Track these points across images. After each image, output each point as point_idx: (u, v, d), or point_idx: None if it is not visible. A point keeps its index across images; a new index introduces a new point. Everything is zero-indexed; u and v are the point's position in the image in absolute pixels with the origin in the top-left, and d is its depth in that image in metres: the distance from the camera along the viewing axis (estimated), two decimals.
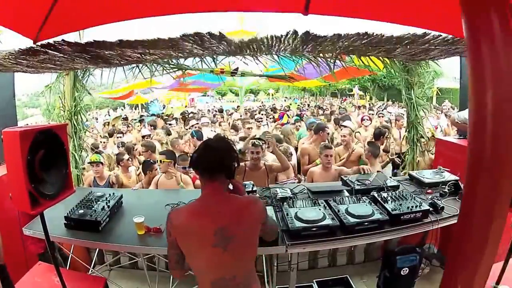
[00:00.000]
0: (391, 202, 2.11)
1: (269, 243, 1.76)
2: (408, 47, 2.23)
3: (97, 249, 2.71)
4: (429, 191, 2.43)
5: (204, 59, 2.53)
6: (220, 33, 1.71)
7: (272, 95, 27.18)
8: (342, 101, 21.76)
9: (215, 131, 5.95)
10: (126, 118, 10.13)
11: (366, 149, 3.35)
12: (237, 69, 2.85)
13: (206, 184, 1.25)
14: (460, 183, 2.43)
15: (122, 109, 20.62)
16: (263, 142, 3.12)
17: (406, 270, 2.12)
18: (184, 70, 2.79)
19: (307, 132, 4.84)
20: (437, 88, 12.44)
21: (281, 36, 1.82)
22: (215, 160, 1.23)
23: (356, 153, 3.55)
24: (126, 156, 3.53)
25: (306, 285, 2.40)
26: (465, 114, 2.64)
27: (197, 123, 6.34)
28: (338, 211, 1.99)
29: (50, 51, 1.85)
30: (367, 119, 5.22)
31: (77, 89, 2.97)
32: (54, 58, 2.07)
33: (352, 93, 21.50)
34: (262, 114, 8.23)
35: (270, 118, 7.96)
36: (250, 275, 1.28)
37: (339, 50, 2.30)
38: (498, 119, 0.70)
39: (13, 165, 1.29)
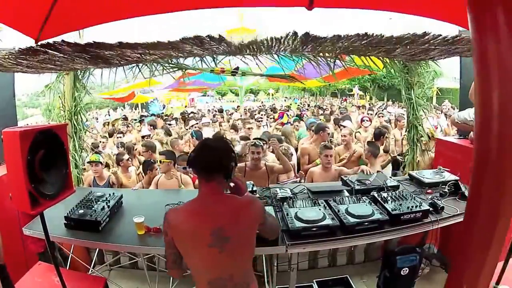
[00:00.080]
0: (391, 202, 2.11)
1: (269, 243, 1.76)
2: (408, 47, 2.23)
3: (97, 249, 2.71)
4: (429, 191, 2.43)
5: (204, 58, 2.53)
6: (219, 35, 1.71)
7: (272, 95, 27.18)
8: (342, 101, 21.75)
9: (215, 131, 5.95)
10: (126, 118, 10.14)
11: (366, 149, 3.35)
12: (237, 68, 2.85)
13: (204, 184, 1.25)
14: (460, 183, 2.43)
15: (122, 109, 20.60)
16: (264, 142, 3.13)
17: (406, 270, 2.12)
18: (184, 70, 2.79)
19: (307, 132, 4.84)
20: (437, 88, 12.43)
21: (281, 37, 1.82)
22: (213, 160, 1.22)
23: (356, 153, 3.55)
24: (126, 156, 3.53)
25: (306, 285, 2.40)
26: (465, 114, 2.63)
27: (196, 123, 6.35)
28: (338, 211, 1.99)
29: (50, 51, 1.85)
30: (366, 120, 5.22)
31: (77, 89, 2.97)
32: (54, 58, 2.07)
33: (352, 93, 21.50)
34: (262, 114, 8.22)
35: (270, 118, 7.96)
36: (247, 274, 1.28)
37: (339, 50, 2.30)
38: (504, 118, 0.69)
39: (13, 165, 1.29)
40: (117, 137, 6.01)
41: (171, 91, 12.34)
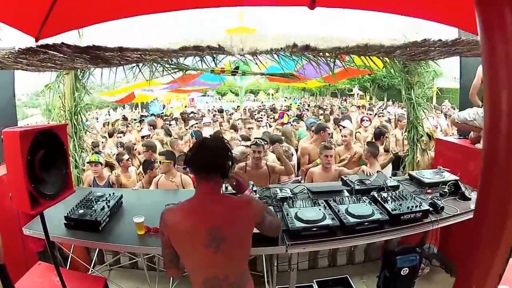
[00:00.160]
0: (391, 202, 2.11)
1: (269, 243, 1.77)
2: (408, 49, 2.23)
3: (97, 249, 2.71)
4: (429, 191, 2.43)
5: (204, 58, 2.53)
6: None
7: (272, 95, 27.16)
8: (342, 101, 21.75)
9: (215, 131, 5.94)
10: (125, 118, 10.13)
11: (365, 149, 3.35)
12: (237, 68, 2.85)
13: (201, 183, 1.25)
14: (460, 183, 2.43)
15: (122, 109, 20.60)
16: (266, 142, 3.13)
17: (406, 270, 2.12)
18: (184, 71, 2.79)
19: (307, 132, 4.84)
20: (437, 88, 12.43)
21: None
22: (210, 160, 1.22)
23: (357, 154, 3.55)
24: (126, 156, 3.53)
25: (306, 285, 2.40)
26: (465, 114, 2.64)
27: (196, 123, 6.34)
28: (338, 211, 2.00)
29: (50, 51, 1.85)
30: (366, 120, 5.21)
31: (77, 89, 2.97)
32: (54, 58, 2.07)
33: (352, 93, 21.49)
34: (262, 115, 8.22)
35: (270, 118, 7.96)
36: (243, 274, 1.28)
37: (338, 51, 2.30)
38: None
39: (13, 165, 1.29)
40: (117, 137, 6.01)
41: (171, 91, 12.33)
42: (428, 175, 2.65)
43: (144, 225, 1.94)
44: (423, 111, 3.32)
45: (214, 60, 2.56)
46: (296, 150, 4.14)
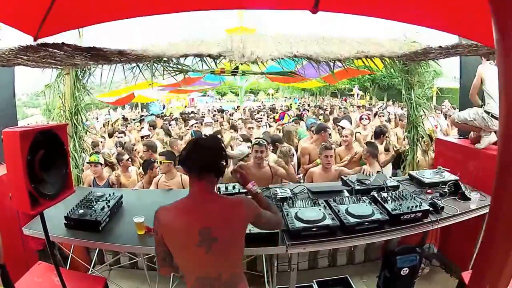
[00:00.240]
0: (391, 202, 2.11)
1: (269, 243, 1.77)
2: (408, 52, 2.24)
3: (97, 249, 2.71)
4: (429, 191, 2.43)
5: (204, 58, 2.53)
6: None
7: (272, 95, 27.16)
8: (342, 101, 21.74)
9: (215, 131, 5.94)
10: (125, 119, 10.13)
11: (364, 149, 3.35)
12: (237, 68, 2.84)
13: (194, 183, 1.24)
14: (460, 183, 2.43)
15: (122, 109, 20.60)
16: (268, 142, 3.13)
17: (406, 270, 2.12)
18: (185, 74, 2.79)
19: (307, 132, 4.83)
20: (437, 88, 12.42)
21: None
22: (203, 159, 1.22)
23: (357, 155, 3.55)
24: (126, 156, 3.52)
25: (306, 285, 2.40)
26: (465, 114, 2.64)
27: (196, 123, 6.35)
28: (338, 211, 2.00)
29: (50, 49, 1.85)
30: (365, 118, 5.22)
31: (77, 89, 2.96)
32: (54, 55, 2.08)
33: (352, 93, 21.48)
34: (262, 115, 8.23)
35: (270, 118, 7.96)
36: (236, 274, 1.27)
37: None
38: None
39: (13, 165, 1.29)
40: (117, 137, 6.01)
41: (171, 92, 12.32)
42: (428, 175, 2.65)
43: (144, 225, 1.94)
44: (423, 111, 3.32)
45: (214, 61, 2.55)
46: (296, 150, 4.14)
